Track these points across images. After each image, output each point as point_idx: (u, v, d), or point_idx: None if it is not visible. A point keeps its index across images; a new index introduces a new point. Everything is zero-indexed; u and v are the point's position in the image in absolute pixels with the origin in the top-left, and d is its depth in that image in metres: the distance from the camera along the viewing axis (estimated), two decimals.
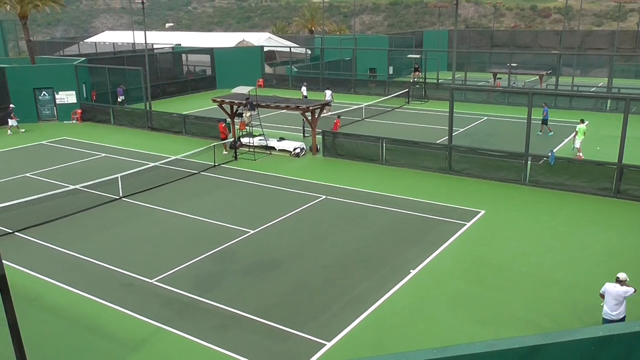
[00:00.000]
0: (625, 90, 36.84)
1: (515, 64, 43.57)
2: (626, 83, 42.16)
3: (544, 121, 29.13)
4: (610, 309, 10.88)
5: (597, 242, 16.18)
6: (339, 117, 30.06)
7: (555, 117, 33.35)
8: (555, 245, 16.05)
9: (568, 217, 18.13)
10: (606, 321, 10.92)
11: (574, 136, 24.53)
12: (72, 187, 20.81)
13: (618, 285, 10.85)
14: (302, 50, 54.64)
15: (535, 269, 14.62)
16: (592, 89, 41.52)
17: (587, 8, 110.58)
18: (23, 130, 32.66)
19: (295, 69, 48.95)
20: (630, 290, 10.79)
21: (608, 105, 35.14)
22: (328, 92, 37.88)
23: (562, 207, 19.05)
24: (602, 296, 11.10)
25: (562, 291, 13.44)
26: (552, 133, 28.84)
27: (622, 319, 10.75)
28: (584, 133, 24.20)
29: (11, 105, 33.07)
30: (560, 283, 13.84)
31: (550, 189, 20.65)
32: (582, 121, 24.78)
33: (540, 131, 29.18)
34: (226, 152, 26.58)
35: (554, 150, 21.31)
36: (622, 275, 10.97)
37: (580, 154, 23.38)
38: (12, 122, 32.33)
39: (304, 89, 38.98)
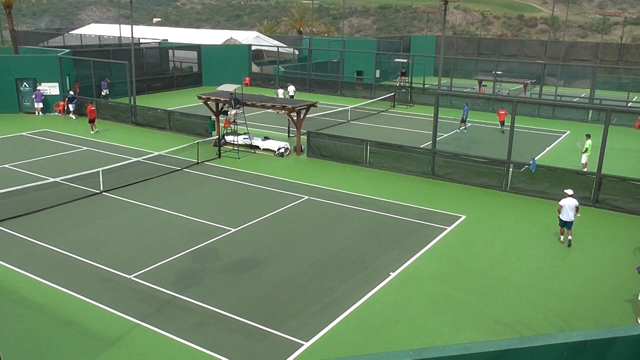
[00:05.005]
0: (607, 102, 37.46)
1: (500, 72, 44.01)
2: (608, 95, 42.83)
3: (463, 119, 31.93)
4: (569, 215, 16.24)
5: (575, 250, 16.40)
6: None
7: (538, 125, 33.85)
8: (534, 252, 16.23)
9: (548, 224, 18.34)
10: (566, 223, 16.41)
11: (583, 152, 23.51)
12: (52, 179, 20.56)
13: (572, 199, 16.34)
14: (290, 50, 54.62)
15: (514, 274, 14.78)
16: (575, 100, 42.08)
17: (572, 20, 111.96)
18: (74, 117, 33.73)
19: (283, 69, 48.90)
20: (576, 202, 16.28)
21: (590, 115, 35.63)
22: (291, 88, 39.03)
23: (542, 214, 19.27)
24: (560, 207, 16.34)
25: (538, 297, 13.60)
26: (466, 131, 31.86)
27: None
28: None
29: (71, 92, 34.64)
30: (537, 289, 14.01)
31: (531, 197, 20.89)
32: (589, 136, 23.69)
33: (459, 128, 31.90)
34: (93, 132, 29.42)
35: (536, 158, 21.56)
36: (569, 191, 16.66)
37: (585, 169, 22.59)
38: (72, 106, 33.86)
39: (291, 88, 38.98)
